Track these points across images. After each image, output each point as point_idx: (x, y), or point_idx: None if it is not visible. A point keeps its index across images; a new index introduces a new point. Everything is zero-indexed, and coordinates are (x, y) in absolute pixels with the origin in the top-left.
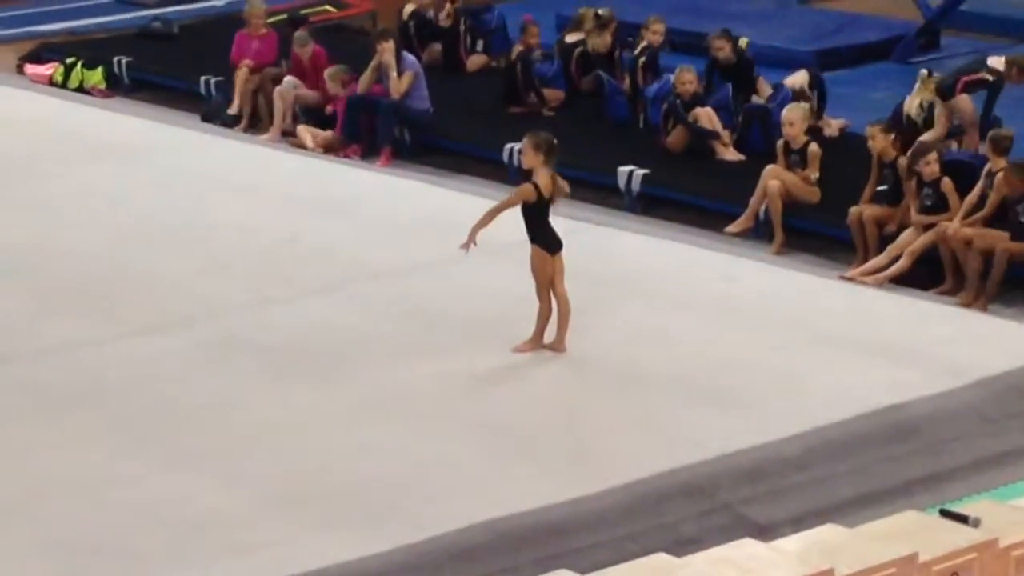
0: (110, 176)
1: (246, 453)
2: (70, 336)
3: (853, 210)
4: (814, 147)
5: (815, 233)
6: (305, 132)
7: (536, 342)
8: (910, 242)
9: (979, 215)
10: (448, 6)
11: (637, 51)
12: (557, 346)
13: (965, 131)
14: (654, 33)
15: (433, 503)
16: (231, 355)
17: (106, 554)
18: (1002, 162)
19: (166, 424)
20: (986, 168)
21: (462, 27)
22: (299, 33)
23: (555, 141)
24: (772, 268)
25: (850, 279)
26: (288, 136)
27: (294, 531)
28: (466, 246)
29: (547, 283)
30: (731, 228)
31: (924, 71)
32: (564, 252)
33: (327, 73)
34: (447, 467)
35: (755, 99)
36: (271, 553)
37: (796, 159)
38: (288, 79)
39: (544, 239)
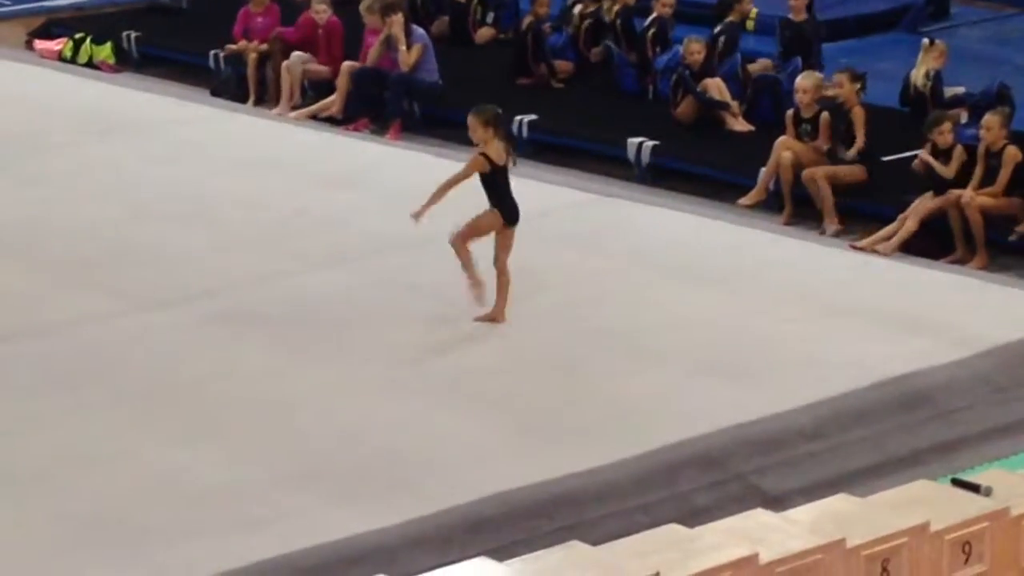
0: (119, 151)
1: (256, 427)
2: (79, 311)
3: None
4: (825, 116)
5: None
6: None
7: (501, 311)
8: (916, 208)
9: (993, 188)
10: None
11: (647, 22)
12: (498, 316)
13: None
14: (664, 5)
15: (444, 476)
16: (240, 329)
17: (117, 527)
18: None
19: (176, 398)
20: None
21: (473, 1)
22: None
23: (499, 111)
24: (782, 239)
25: (861, 248)
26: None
27: (305, 504)
28: (416, 216)
29: (505, 251)
30: (744, 200)
31: (925, 40)
32: (577, 223)
33: (363, 5)
34: (459, 440)
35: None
36: (281, 526)
37: (807, 128)
38: (297, 54)
39: (504, 209)
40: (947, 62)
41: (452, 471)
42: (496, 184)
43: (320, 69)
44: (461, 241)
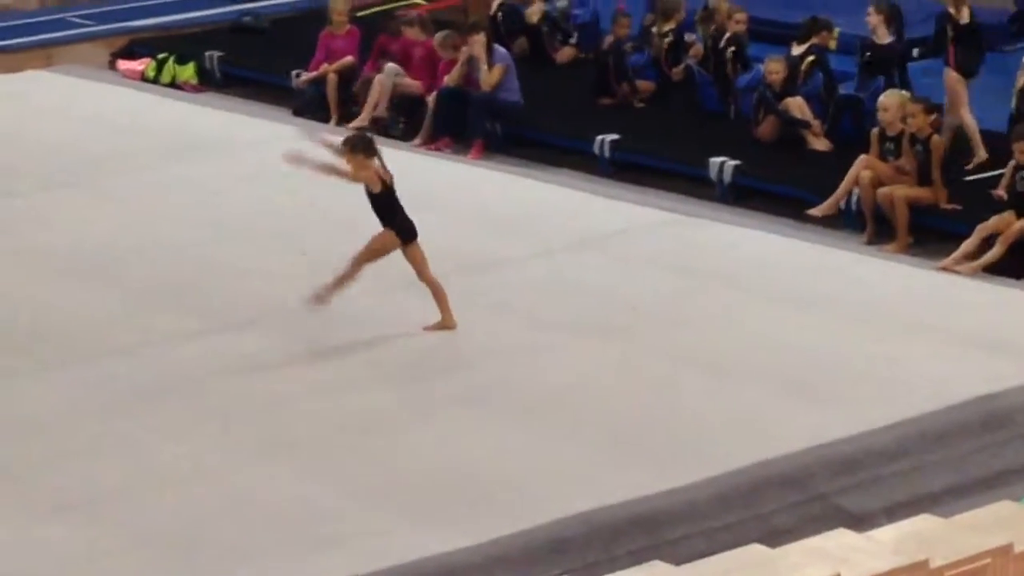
0: (202, 171)
1: (337, 445)
2: (160, 331)
3: (882, 190)
4: (908, 135)
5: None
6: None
7: (449, 317)
8: (998, 225)
9: None
10: (538, 3)
11: (723, 42)
12: (448, 323)
13: None
14: (737, 22)
15: (525, 495)
16: (322, 348)
17: (197, 546)
18: None
19: (258, 417)
20: None
21: (546, 27)
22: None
23: (368, 136)
24: (864, 258)
25: (943, 268)
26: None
27: (386, 524)
28: (289, 159)
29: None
30: (815, 211)
31: None
32: (658, 242)
33: (437, 39)
34: (540, 459)
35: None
36: (363, 546)
37: (890, 147)
38: (390, 66)
39: (398, 226)
40: None
41: (533, 490)
42: (385, 205)
43: (411, 83)
44: (357, 263)
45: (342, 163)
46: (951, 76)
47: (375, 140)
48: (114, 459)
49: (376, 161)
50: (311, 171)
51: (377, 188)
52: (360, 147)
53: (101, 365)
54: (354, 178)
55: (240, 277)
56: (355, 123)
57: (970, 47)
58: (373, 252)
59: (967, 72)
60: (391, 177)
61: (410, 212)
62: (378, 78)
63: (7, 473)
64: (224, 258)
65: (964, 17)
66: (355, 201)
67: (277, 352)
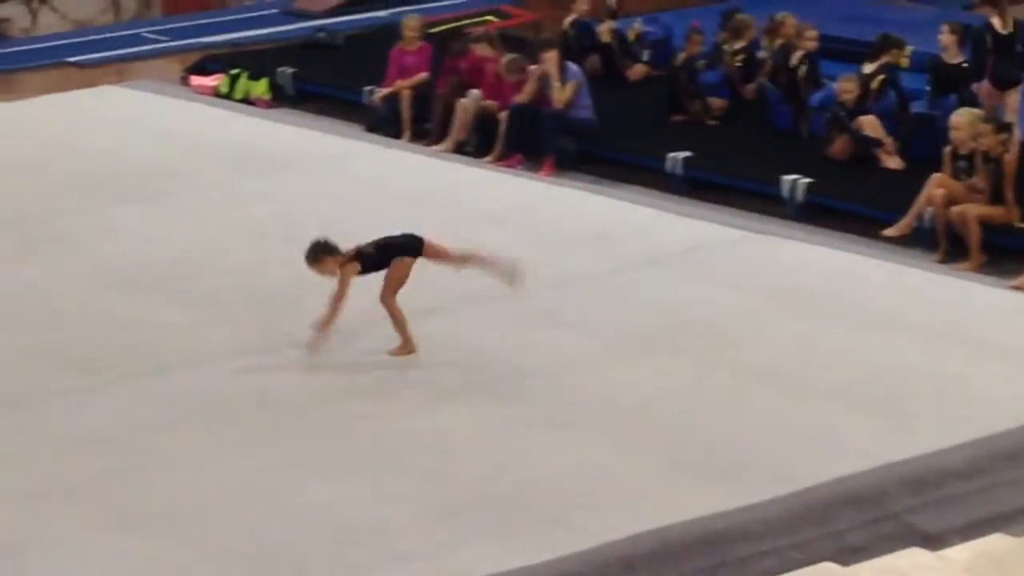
0: (274, 187)
1: (404, 462)
2: (231, 346)
3: (955, 209)
4: (981, 154)
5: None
6: None
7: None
8: None
9: None
10: (609, 21)
11: (796, 61)
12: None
13: None
14: (808, 40)
15: (598, 512)
16: (391, 366)
17: (266, 563)
18: None
19: (328, 434)
20: None
21: (617, 45)
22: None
23: (323, 240)
24: (937, 277)
25: (1017, 287)
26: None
27: (456, 540)
28: (313, 348)
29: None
30: (889, 231)
31: None
32: (731, 259)
33: (503, 63)
34: (612, 476)
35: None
36: (432, 562)
37: (963, 166)
38: (475, 92)
39: (401, 251)
40: None
41: (605, 507)
42: (377, 261)
43: (488, 105)
44: (389, 301)
45: (331, 302)
46: (984, 88)
47: (327, 238)
48: (182, 473)
49: (339, 255)
50: (330, 328)
51: (357, 271)
52: (324, 252)
53: (168, 379)
54: (348, 285)
55: (311, 294)
56: (439, 147)
57: (1007, 57)
58: (395, 283)
59: (1001, 83)
60: (351, 253)
61: (481, 228)
62: (463, 103)
63: (76, 488)
64: (293, 275)
65: (1005, 27)
66: (421, 214)
67: (347, 370)
